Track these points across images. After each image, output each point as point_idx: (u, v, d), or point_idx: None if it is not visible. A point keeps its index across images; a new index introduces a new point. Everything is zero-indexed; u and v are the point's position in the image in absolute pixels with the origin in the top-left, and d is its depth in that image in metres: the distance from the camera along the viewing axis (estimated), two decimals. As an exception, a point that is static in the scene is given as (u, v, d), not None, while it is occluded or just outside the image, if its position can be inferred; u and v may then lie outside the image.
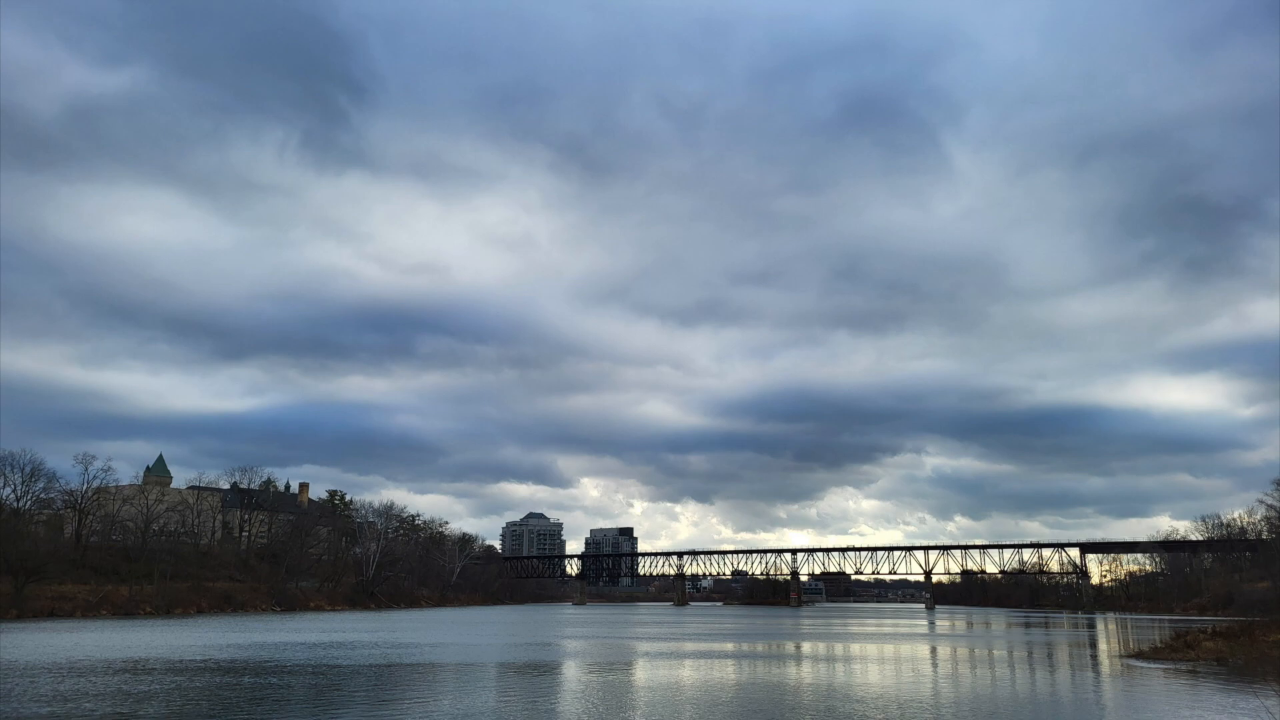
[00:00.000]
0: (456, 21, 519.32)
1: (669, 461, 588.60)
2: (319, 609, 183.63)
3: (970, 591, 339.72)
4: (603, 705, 40.93)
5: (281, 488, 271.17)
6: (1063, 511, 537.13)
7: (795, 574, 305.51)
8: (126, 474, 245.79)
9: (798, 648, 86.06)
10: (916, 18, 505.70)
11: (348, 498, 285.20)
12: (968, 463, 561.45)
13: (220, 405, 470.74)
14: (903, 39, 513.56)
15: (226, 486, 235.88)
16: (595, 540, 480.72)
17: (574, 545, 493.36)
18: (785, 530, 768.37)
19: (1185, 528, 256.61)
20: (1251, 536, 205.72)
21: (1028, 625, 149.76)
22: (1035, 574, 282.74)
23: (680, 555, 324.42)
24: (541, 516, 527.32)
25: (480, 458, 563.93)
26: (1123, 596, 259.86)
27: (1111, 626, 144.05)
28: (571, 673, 58.35)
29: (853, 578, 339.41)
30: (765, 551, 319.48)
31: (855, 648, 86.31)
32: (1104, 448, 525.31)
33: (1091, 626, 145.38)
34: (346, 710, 39.63)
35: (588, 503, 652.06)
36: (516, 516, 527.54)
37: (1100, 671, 62.44)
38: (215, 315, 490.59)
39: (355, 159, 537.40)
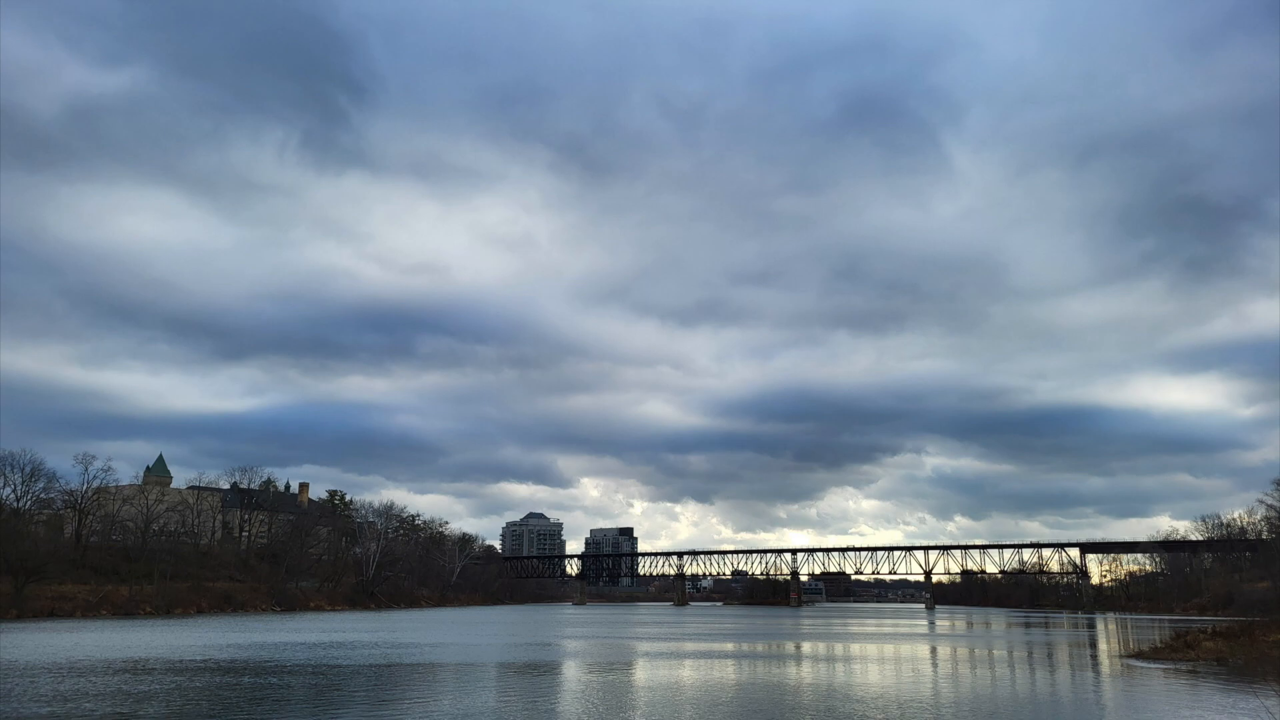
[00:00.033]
0: (456, 21, 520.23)
1: (669, 461, 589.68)
2: (319, 609, 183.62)
3: (970, 591, 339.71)
4: (603, 705, 40.93)
5: (281, 488, 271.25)
6: (1063, 511, 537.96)
7: (795, 574, 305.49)
8: (126, 474, 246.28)
9: (798, 648, 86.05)
10: (916, 18, 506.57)
11: (348, 498, 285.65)
12: (968, 463, 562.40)
13: (220, 405, 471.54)
14: (903, 39, 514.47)
15: (226, 486, 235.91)
16: (595, 540, 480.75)
17: (574, 545, 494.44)
18: (785, 530, 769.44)
19: (1185, 528, 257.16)
20: (1251, 536, 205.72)
21: (1028, 625, 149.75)
22: (1035, 574, 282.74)
23: (680, 555, 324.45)
24: (541, 516, 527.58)
25: (480, 458, 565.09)
26: (1123, 596, 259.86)
27: (1111, 626, 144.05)
28: (571, 673, 58.35)
29: (853, 578, 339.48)
30: (765, 551, 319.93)
31: (855, 648, 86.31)
32: (1104, 448, 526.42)
33: (1091, 626, 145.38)
34: (346, 710, 39.62)
35: (588, 503, 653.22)
36: (516, 516, 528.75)
37: (1100, 671, 62.43)
38: (215, 315, 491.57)
39: (355, 159, 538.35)
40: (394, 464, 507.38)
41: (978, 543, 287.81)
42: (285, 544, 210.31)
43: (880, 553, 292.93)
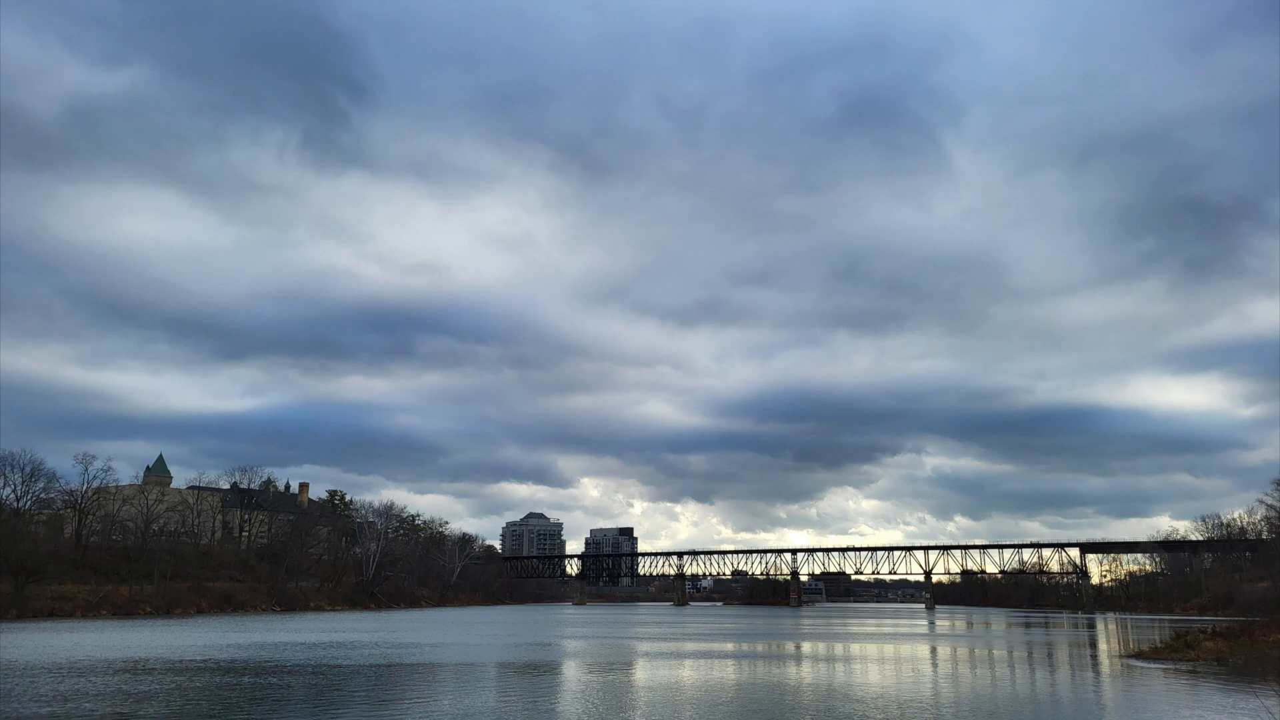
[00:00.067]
0: (456, 21, 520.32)
1: (669, 461, 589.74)
2: (319, 609, 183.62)
3: (970, 591, 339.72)
4: (603, 705, 40.93)
5: (281, 488, 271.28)
6: (1063, 511, 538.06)
7: (795, 574, 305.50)
8: (126, 474, 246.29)
9: (798, 648, 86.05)
10: (916, 18, 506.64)
11: (348, 498, 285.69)
12: (968, 463, 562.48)
13: (220, 405, 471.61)
14: (903, 39, 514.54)
15: (226, 486, 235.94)
16: (595, 540, 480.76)
17: (574, 545, 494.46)
18: (785, 530, 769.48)
19: (1185, 528, 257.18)
20: (1251, 536, 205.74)
21: (1028, 625, 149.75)
22: (1035, 574, 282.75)
23: (680, 555, 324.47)
24: (541, 516, 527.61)
25: (480, 458, 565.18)
26: (1123, 596, 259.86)
27: (1111, 626, 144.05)
28: (571, 673, 58.35)
29: (853, 578, 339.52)
30: (765, 551, 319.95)
31: (855, 648, 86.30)
32: (1104, 448, 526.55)
33: (1091, 626, 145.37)
34: (346, 710, 39.62)
35: (588, 503, 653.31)
36: (516, 516, 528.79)
37: (1100, 671, 62.44)
38: (215, 315, 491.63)
39: (355, 159, 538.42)
40: (394, 464, 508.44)
41: (978, 543, 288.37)
42: (285, 544, 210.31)
43: (880, 553, 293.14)
